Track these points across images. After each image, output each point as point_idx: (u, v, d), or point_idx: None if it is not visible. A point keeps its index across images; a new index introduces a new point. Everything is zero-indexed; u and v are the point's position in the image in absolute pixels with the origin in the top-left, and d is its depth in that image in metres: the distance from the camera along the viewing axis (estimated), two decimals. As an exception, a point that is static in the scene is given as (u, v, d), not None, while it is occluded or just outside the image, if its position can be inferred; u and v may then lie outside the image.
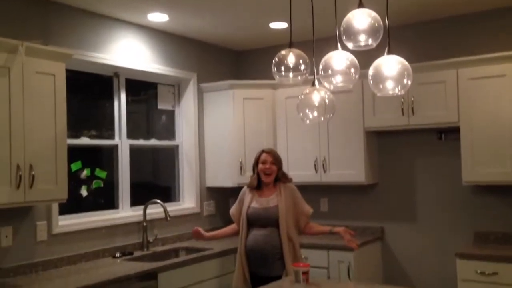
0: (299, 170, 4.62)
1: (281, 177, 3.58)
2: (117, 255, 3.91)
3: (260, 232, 3.47)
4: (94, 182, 4.07)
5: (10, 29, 3.26)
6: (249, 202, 3.55)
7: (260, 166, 3.55)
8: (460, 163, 3.96)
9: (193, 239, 3.97)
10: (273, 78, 2.67)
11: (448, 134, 4.24)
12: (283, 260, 3.41)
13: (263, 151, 3.61)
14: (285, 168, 4.67)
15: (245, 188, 3.70)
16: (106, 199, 4.21)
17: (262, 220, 3.47)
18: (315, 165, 4.57)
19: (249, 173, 4.54)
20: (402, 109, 4.14)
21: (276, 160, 3.57)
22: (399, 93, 2.37)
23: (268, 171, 3.53)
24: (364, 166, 4.37)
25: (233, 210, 3.73)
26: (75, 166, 3.89)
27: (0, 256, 3.24)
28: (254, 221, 3.50)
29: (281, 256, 3.42)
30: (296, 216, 3.52)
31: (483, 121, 3.87)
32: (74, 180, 3.86)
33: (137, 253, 4.02)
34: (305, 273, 2.88)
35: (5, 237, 3.26)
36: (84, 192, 3.99)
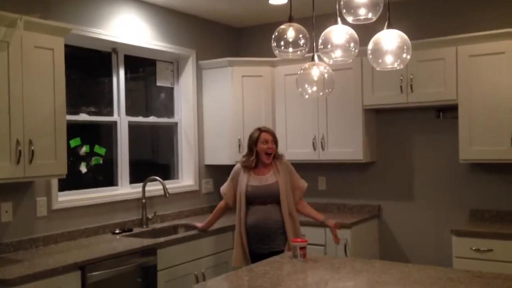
0: (297, 148, 4.64)
1: (276, 155, 3.62)
2: (117, 231, 3.94)
3: (261, 209, 3.49)
4: (93, 158, 4.08)
5: (9, 3, 3.23)
6: (246, 180, 3.55)
7: (261, 146, 3.55)
8: (458, 141, 3.98)
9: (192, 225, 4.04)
10: (272, 56, 2.67)
11: (447, 112, 4.25)
12: (285, 235, 3.47)
13: (261, 130, 3.59)
14: (283, 146, 4.72)
15: (237, 167, 3.67)
16: (105, 176, 4.23)
17: (262, 197, 3.50)
18: (313, 143, 4.58)
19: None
20: (401, 87, 4.14)
21: (276, 139, 3.61)
22: (398, 68, 2.38)
23: (270, 151, 3.55)
24: (362, 144, 4.39)
25: (224, 188, 3.72)
26: (74, 143, 3.89)
27: (1, 231, 3.26)
28: (254, 198, 3.52)
29: (283, 231, 3.47)
30: (292, 191, 3.58)
31: (481, 99, 3.88)
32: (73, 157, 3.87)
33: (136, 230, 4.05)
34: (303, 248, 2.92)
35: (5, 212, 3.29)
36: (83, 168, 4.00)
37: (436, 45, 4.04)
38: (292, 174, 3.62)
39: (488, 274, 2.53)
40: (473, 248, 3.69)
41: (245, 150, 3.76)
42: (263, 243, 3.48)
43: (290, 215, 3.51)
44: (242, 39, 5.35)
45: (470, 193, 4.26)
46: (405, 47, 2.32)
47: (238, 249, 3.54)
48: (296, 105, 4.63)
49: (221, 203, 3.80)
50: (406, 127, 4.54)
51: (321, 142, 4.55)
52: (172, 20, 4.63)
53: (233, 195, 3.65)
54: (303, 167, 4.72)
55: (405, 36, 2.35)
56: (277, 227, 3.47)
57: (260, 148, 3.55)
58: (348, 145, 4.44)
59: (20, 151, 2.99)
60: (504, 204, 4.12)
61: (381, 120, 4.64)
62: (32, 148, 3.04)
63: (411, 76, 4.09)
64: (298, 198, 3.62)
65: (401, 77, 4.11)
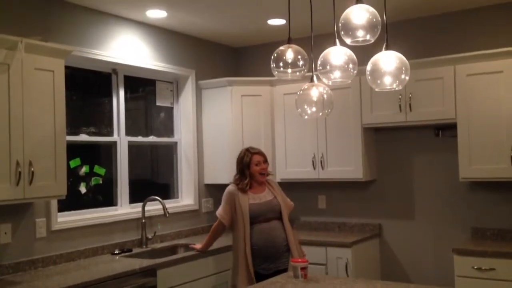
0: (297, 167, 4.64)
1: (267, 173, 3.74)
2: (116, 251, 3.92)
3: (265, 227, 3.53)
4: (93, 179, 4.07)
5: (10, 26, 3.27)
6: (246, 200, 3.56)
7: (255, 168, 3.64)
8: (457, 159, 3.98)
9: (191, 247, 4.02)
10: (271, 75, 2.69)
11: (445, 131, 4.26)
12: (290, 252, 3.55)
13: (251, 153, 3.66)
14: (283, 165, 4.73)
15: (232, 189, 3.65)
16: (105, 196, 4.22)
17: (265, 214, 3.57)
18: (313, 161, 4.58)
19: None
20: (400, 106, 4.16)
21: (265, 158, 3.71)
22: (397, 88, 2.39)
23: (264, 171, 3.65)
24: (362, 162, 4.39)
25: (221, 211, 3.66)
26: (74, 163, 3.89)
27: (0, 253, 3.24)
28: (257, 216, 3.54)
29: (288, 249, 3.55)
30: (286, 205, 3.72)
31: (480, 118, 3.89)
32: (73, 177, 3.87)
33: (136, 250, 4.03)
34: (304, 268, 2.90)
35: (4, 233, 3.27)
36: (83, 189, 4.00)
37: (434, 64, 4.06)
38: (282, 192, 3.76)
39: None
40: (475, 267, 3.67)
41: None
42: (269, 262, 3.49)
43: (291, 231, 3.62)
44: (241, 59, 5.38)
45: (470, 212, 4.24)
46: (403, 68, 2.33)
47: (243, 271, 3.47)
48: (295, 124, 4.64)
49: (217, 225, 3.76)
50: (405, 145, 4.54)
51: (321, 161, 4.55)
52: (172, 40, 4.67)
53: (231, 217, 3.63)
54: (303, 186, 4.73)
55: (403, 58, 2.36)
56: (283, 244, 3.55)
57: (254, 170, 3.64)
58: (347, 163, 4.44)
59: (20, 173, 2.99)
60: (505, 222, 4.10)
61: (381, 139, 4.65)
62: (32, 169, 3.04)
63: (410, 95, 4.11)
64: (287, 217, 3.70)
65: (400, 96, 4.13)
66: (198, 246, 3.94)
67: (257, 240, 3.49)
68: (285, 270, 3.39)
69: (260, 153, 3.68)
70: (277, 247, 3.51)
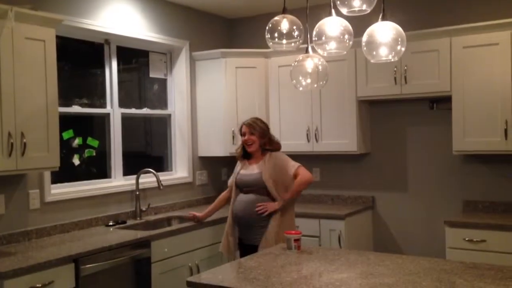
0: (291, 140, 4.63)
1: (264, 145, 3.60)
2: (110, 223, 3.93)
3: (244, 198, 3.55)
4: (86, 151, 4.06)
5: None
6: (239, 169, 3.67)
7: (242, 138, 3.65)
8: (451, 132, 3.99)
9: (190, 219, 4.01)
10: (266, 47, 2.66)
11: (440, 104, 4.25)
12: (265, 229, 3.44)
13: (243, 124, 3.67)
14: (277, 137, 4.71)
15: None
16: (98, 168, 4.21)
17: (246, 186, 3.56)
18: (307, 134, 4.58)
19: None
20: (395, 78, 4.14)
21: (255, 130, 3.58)
22: (392, 60, 2.37)
23: (249, 142, 3.60)
24: (356, 135, 4.39)
25: (229, 180, 3.80)
26: (66, 135, 3.87)
27: (-7, 224, 3.25)
28: (241, 187, 3.60)
29: (264, 225, 3.45)
30: (285, 183, 3.53)
31: (475, 90, 3.88)
32: (66, 149, 3.85)
33: (130, 222, 4.04)
34: (297, 240, 2.92)
35: (-3, 205, 3.27)
36: (76, 161, 3.98)
37: (430, 36, 4.03)
38: (280, 166, 3.53)
39: (481, 265, 2.54)
40: (466, 239, 3.71)
41: (239, 141, 3.80)
42: (245, 234, 3.53)
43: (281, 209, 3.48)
44: (236, 30, 5.32)
45: (463, 184, 4.27)
46: (399, 39, 2.31)
47: (225, 236, 3.62)
48: (290, 97, 4.62)
49: (224, 193, 3.88)
50: (400, 118, 4.54)
51: (315, 134, 4.54)
52: (165, 10, 4.59)
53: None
54: (297, 159, 4.71)
55: (400, 28, 2.34)
56: (257, 219, 3.45)
57: (242, 140, 3.65)
58: (342, 136, 4.44)
59: (12, 144, 2.96)
60: (497, 195, 4.14)
61: (375, 112, 4.64)
62: (24, 140, 3.02)
63: (405, 68, 4.08)
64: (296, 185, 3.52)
65: (395, 69, 4.11)
66: (198, 214, 3.95)
67: (234, 209, 3.57)
68: (253, 247, 3.35)
69: (248, 124, 3.62)
70: (248, 219, 3.48)
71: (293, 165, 3.55)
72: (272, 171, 3.51)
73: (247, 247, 3.47)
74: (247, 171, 3.61)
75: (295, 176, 3.52)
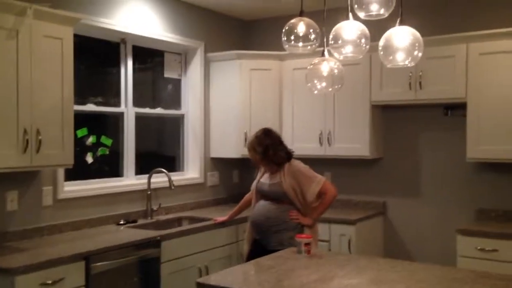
0: (304, 143, 4.62)
1: (273, 158, 3.47)
2: (121, 222, 3.94)
3: (263, 204, 3.52)
4: (99, 149, 4.08)
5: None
6: (260, 176, 3.63)
7: None
8: (465, 139, 3.95)
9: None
10: (281, 49, 2.66)
11: (455, 110, 4.22)
12: (281, 236, 3.40)
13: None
14: (289, 141, 4.67)
15: None
16: (111, 166, 4.23)
17: (266, 194, 3.53)
18: (320, 138, 4.56)
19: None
20: (410, 83, 4.11)
21: (254, 149, 3.51)
22: (409, 65, 2.36)
23: (251, 159, 3.57)
24: (369, 140, 4.37)
25: (253, 183, 3.72)
26: (81, 133, 3.89)
27: (6, 220, 3.27)
28: (260, 193, 3.58)
29: (276, 230, 3.42)
30: (303, 193, 3.45)
31: (490, 98, 3.84)
32: (79, 147, 3.87)
33: (140, 221, 4.06)
34: (307, 244, 2.91)
35: (10, 201, 3.29)
36: (89, 159, 4.00)
37: (446, 42, 4.00)
38: (302, 179, 3.45)
39: (493, 274, 2.51)
40: (478, 248, 3.67)
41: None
42: (261, 237, 3.49)
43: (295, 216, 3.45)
44: (251, 32, 5.32)
45: (476, 192, 4.23)
46: (417, 44, 2.29)
47: (246, 239, 3.62)
48: (303, 100, 4.61)
49: (248, 195, 3.86)
50: (413, 124, 4.51)
51: (328, 137, 4.53)
52: (181, 11, 4.61)
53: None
54: (309, 162, 4.68)
55: (417, 33, 2.32)
56: (271, 224, 3.43)
57: None
58: (355, 141, 4.41)
59: (27, 140, 2.99)
60: (510, 204, 4.09)
61: (389, 117, 4.61)
62: (40, 137, 3.05)
63: (420, 73, 4.06)
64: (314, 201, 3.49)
65: (410, 74, 4.08)
66: (221, 218, 3.99)
67: (254, 215, 3.55)
68: (270, 251, 3.25)
69: (248, 149, 3.56)
70: (262, 225, 3.46)
71: (318, 181, 3.44)
72: (292, 181, 3.43)
73: (266, 251, 3.30)
74: (267, 179, 3.54)
75: (322, 191, 3.45)
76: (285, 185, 3.42)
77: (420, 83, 4.08)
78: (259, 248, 3.43)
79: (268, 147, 3.48)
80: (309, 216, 3.47)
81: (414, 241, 4.52)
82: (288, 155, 3.53)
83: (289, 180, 3.43)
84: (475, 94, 3.90)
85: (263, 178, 3.58)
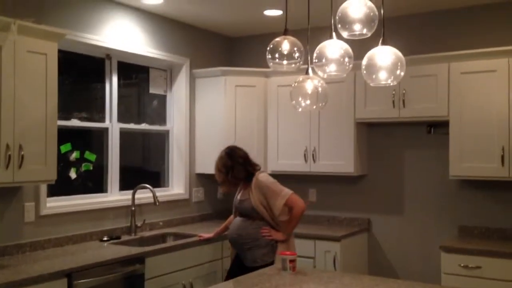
0: (288, 159, 4.64)
1: (235, 177, 3.57)
2: (105, 238, 3.90)
3: (237, 221, 3.61)
4: (83, 165, 4.05)
5: (2, 7, 3.22)
6: (236, 194, 3.70)
7: None
8: (448, 157, 4.00)
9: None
10: (266, 66, 2.68)
11: (438, 128, 4.28)
12: (253, 252, 3.46)
13: None
14: (274, 157, 4.72)
15: None
16: (95, 182, 4.20)
17: (240, 210, 3.62)
18: (305, 154, 4.58)
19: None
20: (393, 101, 4.17)
21: (220, 172, 3.61)
22: (391, 84, 2.39)
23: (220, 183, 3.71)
24: (353, 157, 4.40)
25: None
26: (64, 148, 3.86)
27: (-13, 236, 3.23)
28: (236, 210, 3.67)
29: (249, 247, 3.46)
30: (273, 207, 3.48)
31: (472, 116, 3.90)
32: (63, 162, 3.84)
33: (124, 237, 4.02)
34: (292, 261, 2.90)
35: (-8, 216, 3.25)
36: (73, 174, 3.97)
37: (429, 61, 4.07)
38: (266, 194, 3.49)
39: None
40: (462, 265, 3.70)
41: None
42: (239, 252, 3.58)
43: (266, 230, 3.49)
44: (236, 48, 5.36)
45: (459, 209, 4.27)
46: (399, 64, 2.33)
47: (231, 256, 3.71)
48: (288, 116, 4.64)
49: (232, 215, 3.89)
50: (397, 141, 4.55)
51: (313, 154, 4.55)
52: (167, 27, 4.63)
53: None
54: (294, 179, 4.73)
55: (399, 53, 2.36)
56: (243, 241, 3.49)
57: None
58: (339, 157, 4.44)
59: (9, 156, 2.96)
60: (493, 221, 4.13)
61: (373, 134, 4.66)
62: (22, 153, 3.02)
63: (404, 91, 4.11)
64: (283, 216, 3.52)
65: (394, 92, 4.14)
66: (206, 235, 4.00)
67: (229, 231, 3.65)
68: (246, 268, 3.33)
69: (215, 163, 3.67)
70: (236, 242, 3.55)
71: (284, 195, 3.46)
72: (260, 196, 3.48)
73: (244, 267, 3.42)
74: (241, 196, 3.62)
75: (288, 204, 3.47)
76: (253, 200, 3.47)
77: (403, 101, 4.13)
78: (240, 263, 3.52)
79: (230, 168, 3.57)
80: (282, 231, 3.49)
81: (398, 257, 4.53)
82: (248, 173, 3.57)
83: (257, 196, 3.48)
84: (457, 112, 3.95)
85: (239, 195, 3.64)
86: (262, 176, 3.56)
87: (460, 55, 3.95)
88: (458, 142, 3.95)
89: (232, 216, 3.85)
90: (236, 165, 3.56)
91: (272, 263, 3.39)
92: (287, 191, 3.48)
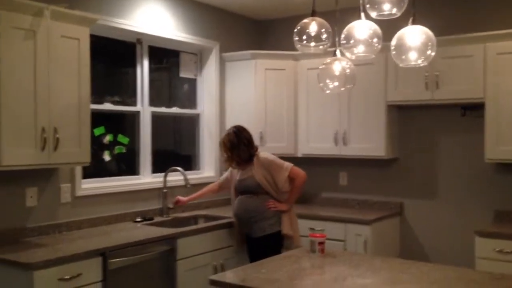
0: (319, 143, 4.62)
1: (239, 155, 3.76)
2: (138, 219, 3.99)
3: (241, 198, 3.83)
4: (116, 147, 4.14)
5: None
6: (235, 175, 3.92)
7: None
8: (483, 140, 3.90)
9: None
10: (295, 49, 2.66)
11: (472, 111, 4.17)
12: (260, 224, 3.73)
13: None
14: (304, 140, 4.71)
15: None
16: (128, 165, 4.28)
17: (242, 189, 3.83)
18: (335, 137, 4.55)
19: (269, 143, 4.63)
20: (426, 83, 4.08)
21: (225, 147, 3.79)
22: (421, 64, 2.34)
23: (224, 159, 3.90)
24: (384, 140, 4.34)
25: (223, 176, 4.24)
26: (98, 131, 3.95)
27: (25, 216, 3.34)
28: (239, 190, 3.87)
29: (256, 220, 3.73)
30: (276, 181, 3.75)
31: (509, 98, 3.79)
32: (97, 145, 3.93)
33: (157, 219, 4.10)
34: (321, 243, 2.90)
35: (30, 197, 3.36)
36: (106, 157, 4.06)
37: (463, 42, 3.96)
38: (270, 168, 3.76)
39: (509, 276, 2.48)
40: (497, 250, 3.62)
41: (267, 143, 3.91)
42: (246, 228, 3.83)
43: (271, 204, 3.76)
44: (266, 32, 5.33)
45: (495, 194, 4.18)
46: (429, 44, 2.27)
47: (235, 233, 3.98)
48: (318, 99, 4.61)
49: (213, 185, 4.28)
50: (429, 124, 4.47)
51: (343, 137, 4.52)
52: (196, 11, 4.65)
53: (226, 182, 4.10)
54: (324, 162, 4.72)
55: (430, 32, 2.30)
56: (251, 216, 3.75)
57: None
58: (370, 141, 4.40)
59: (45, 139, 3.05)
60: (529, 205, 4.03)
61: (405, 117, 4.58)
62: (57, 136, 3.10)
63: (437, 73, 4.02)
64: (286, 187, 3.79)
65: (426, 74, 4.05)
66: (182, 198, 4.22)
67: (234, 210, 3.90)
68: (258, 238, 3.72)
69: (221, 138, 3.92)
70: (245, 217, 3.79)
71: (286, 167, 3.76)
72: (264, 171, 3.74)
73: (253, 239, 3.79)
74: (242, 176, 3.82)
75: (291, 176, 3.76)
76: (257, 176, 3.73)
77: (436, 83, 4.04)
78: (247, 238, 3.86)
79: (236, 146, 3.76)
80: (285, 202, 3.79)
81: (432, 242, 4.48)
82: (250, 155, 3.78)
83: (260, 171, 3.74)
84: (494, 94, 3.85)
85: (237, 176, 3.85)
86: (264, 154, 3.84)
87: (496, 35, 3.82)
88: (494, 125, 3.85)
89: (210, 189, 4.25)
90: (241, 145, 3.76)
91: (279, 232, 3.72)
92: (288, 164, 3.78)
